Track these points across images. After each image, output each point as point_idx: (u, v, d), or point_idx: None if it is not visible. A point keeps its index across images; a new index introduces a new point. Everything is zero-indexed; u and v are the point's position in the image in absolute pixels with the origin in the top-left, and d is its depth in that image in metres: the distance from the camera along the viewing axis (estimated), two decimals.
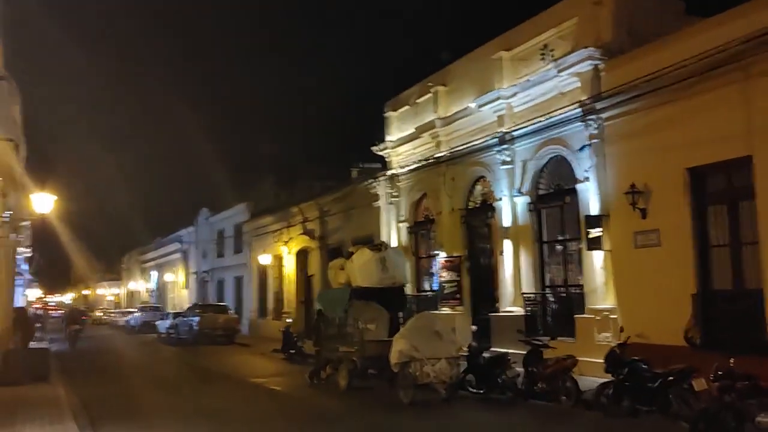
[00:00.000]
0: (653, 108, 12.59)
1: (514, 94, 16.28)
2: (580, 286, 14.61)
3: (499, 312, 16.86)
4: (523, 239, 16.21)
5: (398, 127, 21.67)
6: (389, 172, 21.68)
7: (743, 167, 11.12)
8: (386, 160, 22.21)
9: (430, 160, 19.51)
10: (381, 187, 22.22)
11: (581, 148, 14.23)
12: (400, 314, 14.83)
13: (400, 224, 21.46)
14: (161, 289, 55.70)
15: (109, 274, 77.54)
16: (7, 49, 11.28)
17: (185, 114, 69.85)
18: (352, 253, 14.71)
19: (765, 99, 10.64)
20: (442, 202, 19.24)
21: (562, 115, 14.73)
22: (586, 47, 13.91)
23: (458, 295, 18.56)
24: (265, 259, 32.04)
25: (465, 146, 18.00)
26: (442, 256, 19.01)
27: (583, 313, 14.16)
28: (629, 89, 12.89)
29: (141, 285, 63.86)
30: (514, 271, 16.36)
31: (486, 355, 13.29)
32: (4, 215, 15.76)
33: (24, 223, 32.57)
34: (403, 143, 21.11)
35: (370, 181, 22.46)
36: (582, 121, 14.22)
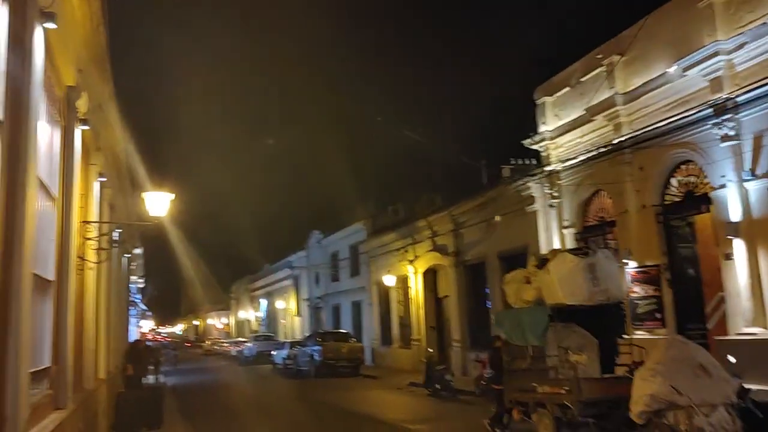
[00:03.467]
0: None
1: (740, 46, 12.37)
2: None
3: (729, 335, 12.79)
4: (763, 237, 12.15)
5: (556, 114, 18.07)
6: (548, 168, 18.04)
7: None
8: (542, 154, 18.63)
9: (607, 148, 15.75)
10: (537, 188, 18.61)
11: None
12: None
13: (565, 230, 17.73)
14: (271, 318, 53.91)
15: (218, 304, 77.26)
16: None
17: (293, 134, 68.18)
18: (545, 260, 11.15)
19: None
20: (626, 198, 15.41)
21: None
22: None
23: (658, 315, 14.61)
24: (388, 280, 28.94)
25: (661, 124, 14.18)
26: (631, 267, 15.12)
27: None
28: None
29: (251, 314, 62.57)
30: (751, 279, 12.29)
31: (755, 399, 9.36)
32: (113, 233, 13.34)
33: (137, 251, 31.22)
34: (565, 132, 17.47)
35: (523, 180, 18.87)
36: None
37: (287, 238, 49.06)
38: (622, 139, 15.34)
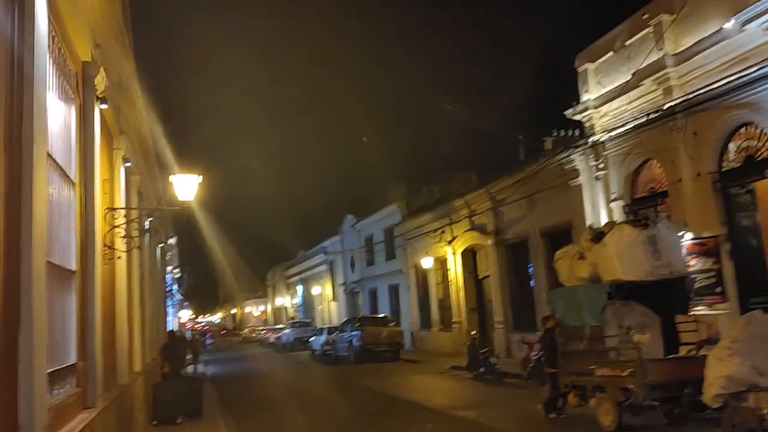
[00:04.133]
0: None
1: None
2: None
3: None
4: None
5: (600, 81, 17.11)
6: (593, 139, 17.13)
7: None
8: (585, 125, 17.71)
9: (657, 114, 14.79)
10: (581, 160, 17.72)
11: None
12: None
13: (612, 204, 16.84)
14: (308, 304, 53.78)
15: (254, 292, 77.61)
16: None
17: (326, 115, 67.04)
18: (601, 233, 10.37)
19: None
20: (679, 166, 14.47)
21: None
22: None
23: (719, 289, 13.71)
24: (425, 262, 28.29)
25: (716, 85, 13.18)
26: (687, 239, 14.21)
27: None
28: None
29: (287, 301, 62.59)
30: None
31: None
32: (145, 221, 12.92)
33: (171, 241, 31.09)
34: (610, 99, 16.51)
35: (566, 153, 17.96)
36: None
37: (321, 223, 48.70)
38: (674, 103, 14.36)
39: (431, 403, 14.34)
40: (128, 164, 10.31)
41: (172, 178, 8.97)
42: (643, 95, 15.47)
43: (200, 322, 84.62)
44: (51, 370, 5.12)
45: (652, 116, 14.86)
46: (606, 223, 11.83)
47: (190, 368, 23.13)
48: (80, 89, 6.80)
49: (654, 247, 9.72)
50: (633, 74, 15.41)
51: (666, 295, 10.20)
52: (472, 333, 20.41)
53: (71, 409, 5.86)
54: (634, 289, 9.99)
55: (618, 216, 16.53)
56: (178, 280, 41.16)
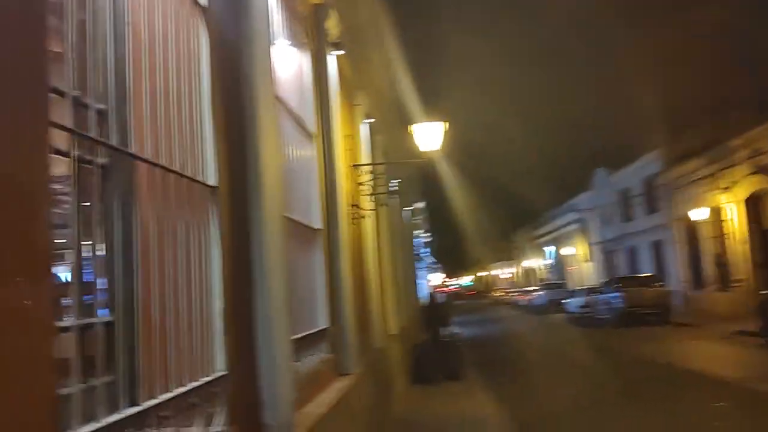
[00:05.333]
0: None
1: None
2: None
3: None
4: None
5: None
6: None
7: None
8: None
9: None
10: None
11: None
12: None
13: None
14: (559, 265, 51.75)
15: (501, 253, 77.22)
16: None
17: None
18: None
19: None
20: None
21: None
22: None
23: None
24: (696, 214, 24.96)
25: None
26: None
27: None
28: None
29: (537, 262, 61.06)
30: None
31: None
32: (391, 184, 12.60)
33: (419, 205, 31.44)
34: None
35: None
36: None
37: (569, 179, 46.08)
38: None
39: (719, 375, 12.21)
40: (371, 120, 9.92)
41: (415, 127, 8.31)
42: None
43: (451, 285, 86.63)
44: (298, 336, 4.65)
45: None
46: None
47: (445, 330, 23.14)
48: (312, 34, 6.31)
49: None
50: None
51: None
52: (764, 292, 17.34)
53: (324, 377, 5.43)
54: None
55: None
56: (428, 244, 41.93)
